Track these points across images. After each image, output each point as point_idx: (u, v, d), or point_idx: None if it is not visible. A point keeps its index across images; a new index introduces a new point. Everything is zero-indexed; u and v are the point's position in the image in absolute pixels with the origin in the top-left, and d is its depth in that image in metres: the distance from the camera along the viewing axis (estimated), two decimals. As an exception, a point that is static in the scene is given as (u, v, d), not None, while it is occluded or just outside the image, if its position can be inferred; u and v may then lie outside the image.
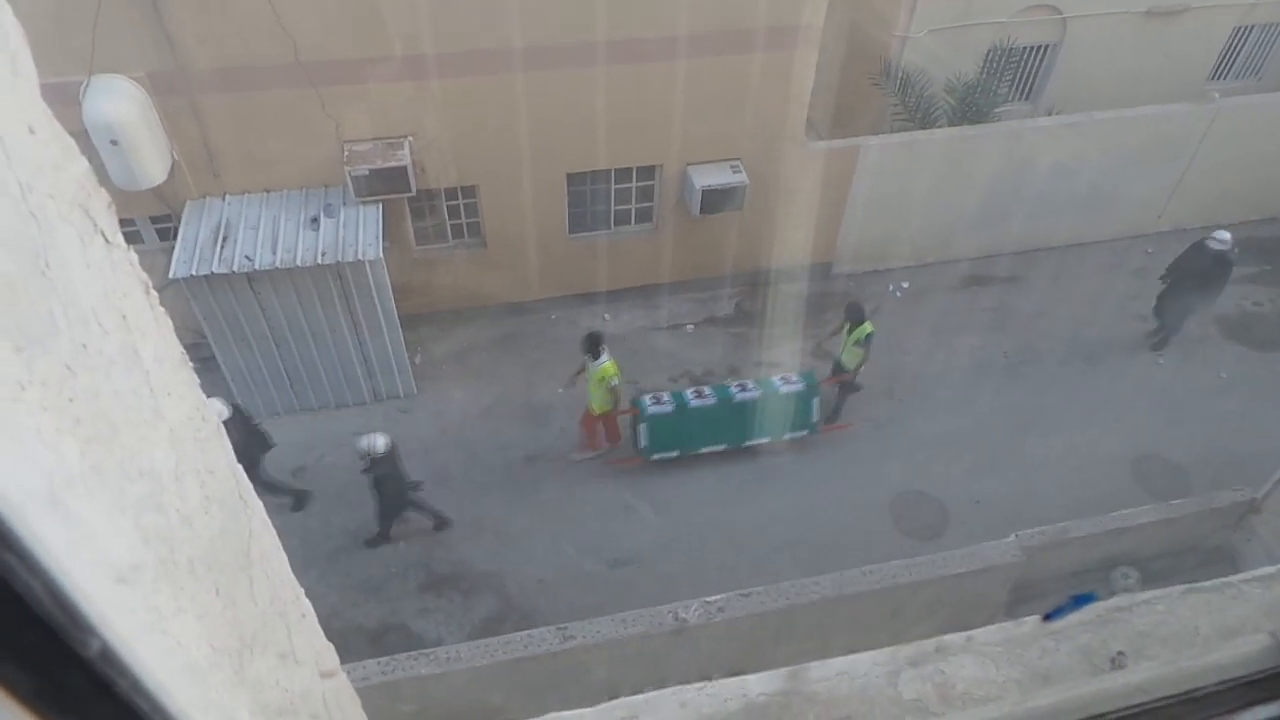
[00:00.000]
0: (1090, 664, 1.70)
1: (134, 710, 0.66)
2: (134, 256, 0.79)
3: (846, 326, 10.27)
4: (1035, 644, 1.68)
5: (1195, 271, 11.20)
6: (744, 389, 10.16)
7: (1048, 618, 1.64)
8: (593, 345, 9.56)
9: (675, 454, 10.26)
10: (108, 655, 0.57)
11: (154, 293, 0.83)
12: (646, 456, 10.21)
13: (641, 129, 10.70)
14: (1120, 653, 1.71)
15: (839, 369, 10.54)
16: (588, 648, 6.64)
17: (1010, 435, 10.94)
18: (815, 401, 10.31)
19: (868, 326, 10.04)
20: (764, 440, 10.37)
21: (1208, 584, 1.83)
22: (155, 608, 0.81)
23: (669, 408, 9.95)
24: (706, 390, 10.19)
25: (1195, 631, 1.75)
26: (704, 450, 10.30)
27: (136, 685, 0.65)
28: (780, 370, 11.24)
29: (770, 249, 12.17)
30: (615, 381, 9.59)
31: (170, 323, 0.87)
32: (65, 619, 0.51)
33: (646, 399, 10.03)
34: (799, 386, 10.19)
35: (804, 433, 10.47)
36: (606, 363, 9.54)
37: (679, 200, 11.51)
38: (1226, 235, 11.00)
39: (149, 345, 0.81)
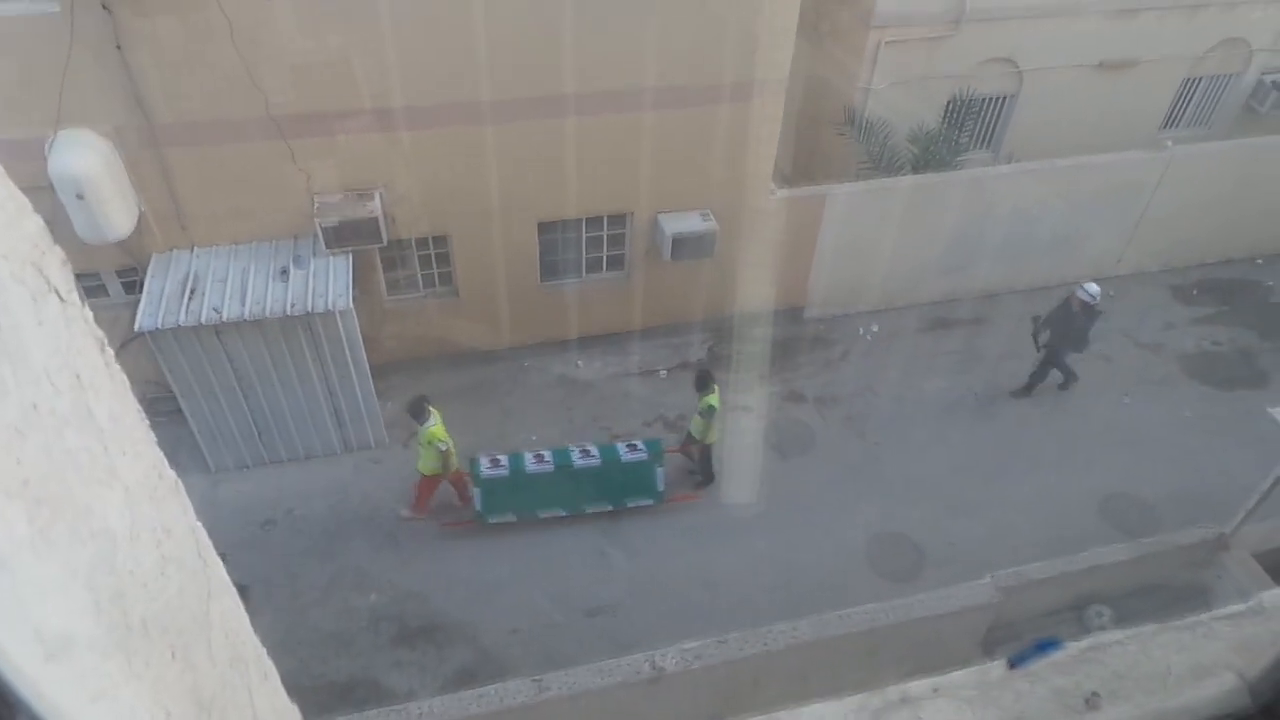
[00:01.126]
0: (1064, 705, 1.69)
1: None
2: (89, 314, 0.78)
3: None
4: (1009, 687, 1.68)
5: (1065, 321, 11.33)
6: (586, 455, 9.92)
7: (1013, 665, 1.63)
8: (417, 409, 9.35)
9: (512, 518, 10.01)
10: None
11: (109, 350, 0.82)
12: (481, 520, 9.93)
13: (612, 178, 10.83)
14: (1094, 693, 1.70)
15: (690, 438, 10.41)
16: (563, 699, 6.51)
17: (982, 476, 11.01)
18: (660, 470, 10.09)
19: (710, 399, 9.87)
20: (605, 508, 10.15)
21: (1179, 622, 1.84)
22: (107, 674, 0.79)
23: (504, 471, 9.69)
24: (546, 455, 9.91)
25: (1167, 671, 1.75)
26: (543, 515, 10.05)
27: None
28: (755, 412, 11.28)
29: (741, 294, 12.30)
30: (444, 445, 9.40)
31: (126, 380, 0.86)
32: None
33: (483, 461, 9.76)
34: (643, 455, 9.98)
35: (648, 501, 10.21)
36: (434, 426, 9.36)
37: (650, 247, 11.62)
38: (1094, 288, 11.13)
39: (103, 403, 0.80)
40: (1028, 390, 12.03)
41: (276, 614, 9.23)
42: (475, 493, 9.79)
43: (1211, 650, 1.83)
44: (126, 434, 0.84)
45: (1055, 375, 12.02)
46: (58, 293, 0.72)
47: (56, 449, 0.71)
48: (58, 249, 0.74)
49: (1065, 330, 11.34)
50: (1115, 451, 11.34)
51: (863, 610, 7.29)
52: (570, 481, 9.89)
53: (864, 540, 10.31)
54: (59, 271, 0.73)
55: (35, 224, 0.70)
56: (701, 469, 10.66)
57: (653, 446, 10.09)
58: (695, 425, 10.19)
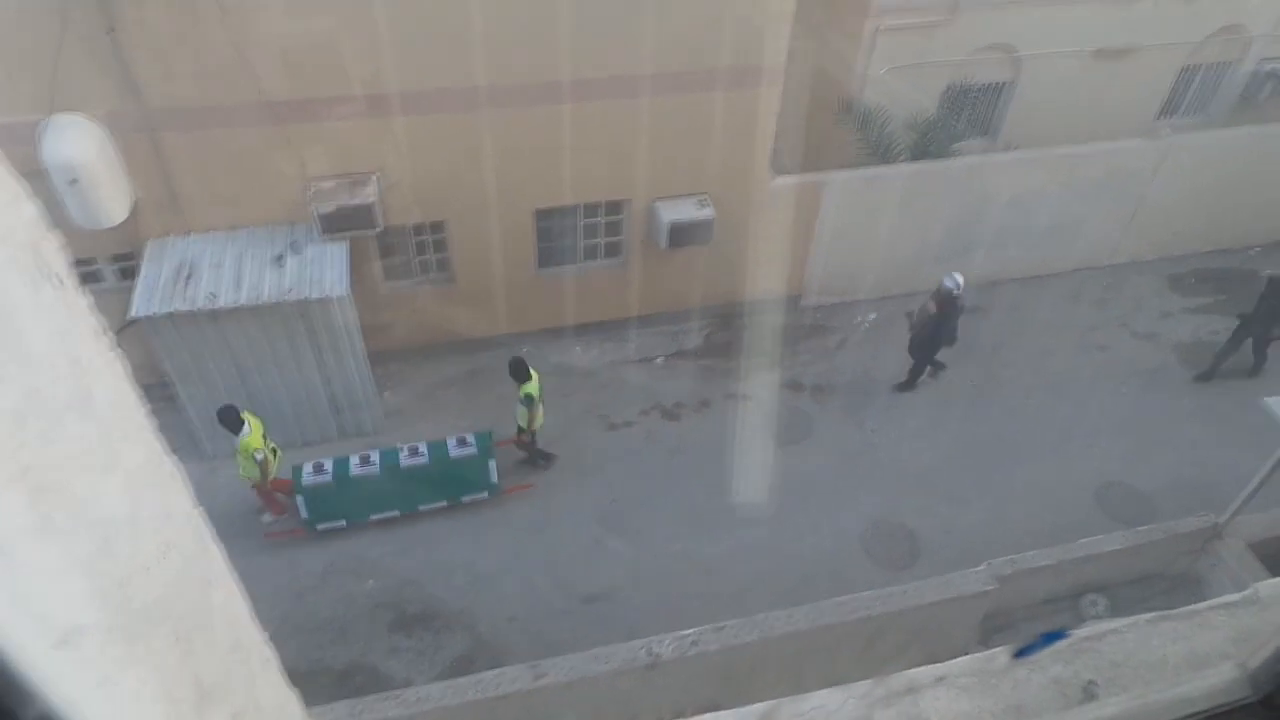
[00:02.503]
0: (1063, 695, 1.70)
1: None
2: (88, 299, 0.78)
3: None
4: (1008, 676, 1.68)
5: (930, 313, 11.17)
6: (414, 453, 9.75)
7: (1019, 655, 1.64)
8: (229, 420, 9.15)
9: (342, 523, 9.87)
10: (48, 720, 0.55)
11: (109, 335, 0.81)
12: (310, 528, 9.80)
13: (609, 165, 10.79)
14: (1092, 682, 1.71)
15: (519, 429, 10.24)
16: (560, 686, 6.53)
17: (978, 465, 11.04)
18: (492, 463, 9.97)
19: (528, 387, 9.75)
20: (439, 504, 10.04)
21: (1176, 612, 1.84)
22: (111, 660, 0.79)
23: (328, 477, 9.51)
24: (372, 456, 9.71)
25: (1165, 661, 1.76)
26: (374, 518, 9.94)
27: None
28: (753, 400, 11.29)
29: (739, 282, 12.28)
30: (260, 455, 9.23)
31: (126, 366, 0.85)
32: (2, 685, 0.49)
33: (306, 468, 9.57)
34: (472, 449, 9.85)
35: (483, 495, 10.15)
36: (248, 436, 9.19)
37: (647, 235, 11.59)
38: (959, 277, 10.91)
39: (103, 389, 0.79)
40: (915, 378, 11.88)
41: (274, 600, 9.24)
42: (299, 500, 9.59)
43: (1209, 640, 1.84)
44: (126, 420, 0.84)
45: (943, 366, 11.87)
46: (56, 277, 0.71)
47: (56, 435, 0.70)
48: (55, 233, 0.73)
49: (932, 321, 11.14)
50: (1111, 441, 11.38)
51: (859, 598, 7.32)
52: (400, 481, 9.73)
53: (860, 528, 10.34)
54: (56, 256, 0.72)
55: (31, 209, 0.69)
56: (532, 455, 10.62)
57: (482, 440, 9.96)
58: (519, 414, 10.05)
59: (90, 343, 0.79)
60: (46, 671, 0.56)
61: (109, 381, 0.82)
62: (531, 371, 9.88)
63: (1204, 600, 1.97)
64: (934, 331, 11.18)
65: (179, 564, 0.97)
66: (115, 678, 0.78)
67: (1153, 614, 1.80)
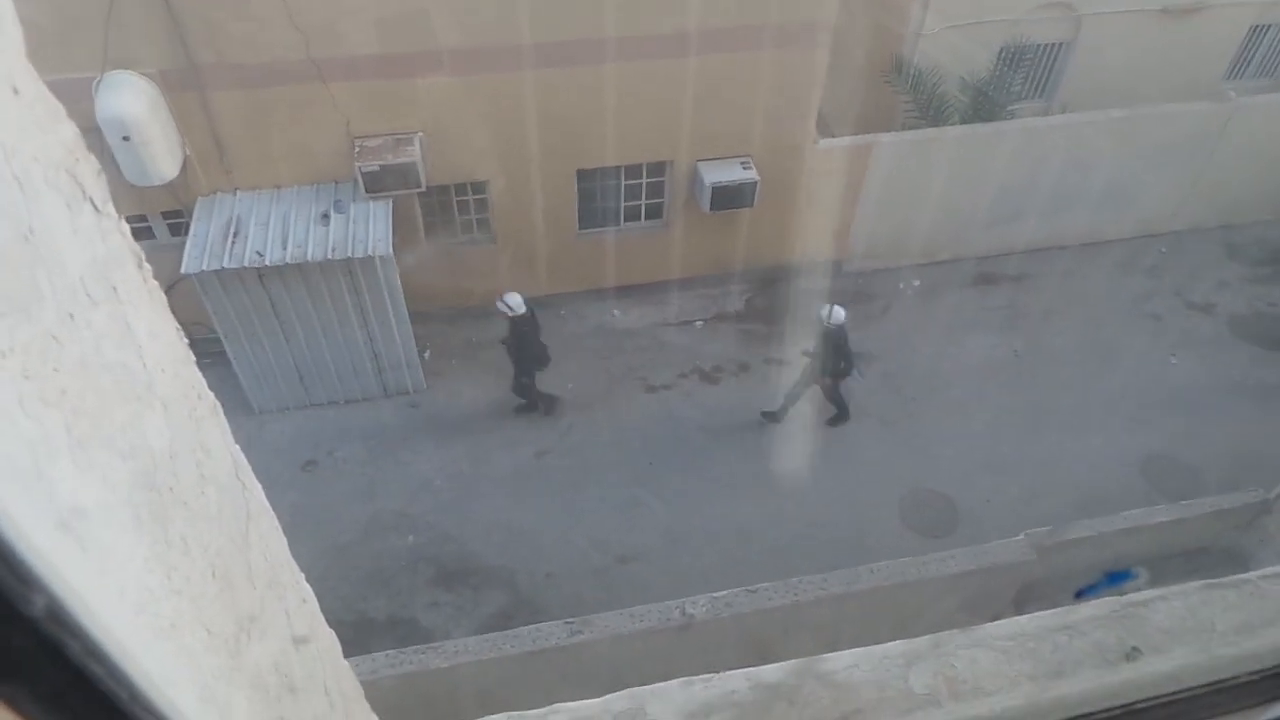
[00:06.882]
0: (1104, 660, 1.66)
1: (120, 699, 0.64)
2: (125, 227, 0.77)
3: None
4: (1048, 639, 1.65)
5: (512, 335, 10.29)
6: None
7: (1079, 594, 1.61)
8: None
9: None
10: (93, 651, 0.55)
11: (147, 266, 0.81)
12: None
13: (652, 126, 10.67)
14: (1135, 648, 1.68)
15: None
16: (595, 642, 6.62)
17: (1021, 434, 10.87)
18: None
19: None
20: None
21: (1226, 580, 1.79)
22: (147, 589, 0.80)
23: None
24: None
25: (1212, 629, 1.71)
26: None
27: (117, 672, 0.63)
28: (792, 365, 11.21)
29: (781, 246, 12.14)
30: None
31: (164, 298, 0.85)
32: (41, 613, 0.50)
33: None
34: None
35: None
36: None
37: (689, 197, 11.48)
38: (514, 298, 9.89)
39: (142, 319, 0.79)
40: (529, 408, 10.94)
41: (318, 552, 9.46)
42: None
43: (1259, 609, 1.79)
44: (165, 351, 0.84)
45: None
46: (93, 202, 0.71)
47: (94, 361, 0.70)
48: (92, 158, 0.72)
49: (516, 344, 10.34)
50: (1159, 413, 11.12)
51: (894, 564, 7.29)
52: None
53: (898, 495, 10.27)
54: (94, 181, 0.72)
55: (69, 130, 0.69)
56: None
57: None
58: None
59: (129, 272, 0.78)
60: (83, 597, 0.57)
61: (148, 312, 0.82)
62: None
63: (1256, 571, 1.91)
64: (516, 351, 10.38)
65: (217, 498, 0.98)
66: (152, 607, 0.79)
67: (1201, 582, 1.75)
